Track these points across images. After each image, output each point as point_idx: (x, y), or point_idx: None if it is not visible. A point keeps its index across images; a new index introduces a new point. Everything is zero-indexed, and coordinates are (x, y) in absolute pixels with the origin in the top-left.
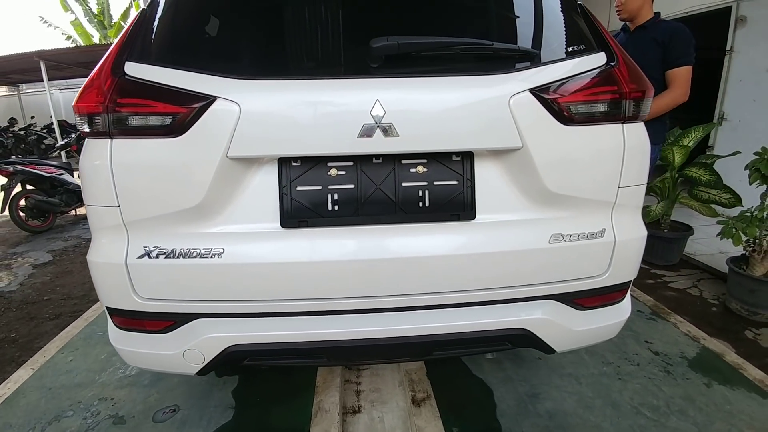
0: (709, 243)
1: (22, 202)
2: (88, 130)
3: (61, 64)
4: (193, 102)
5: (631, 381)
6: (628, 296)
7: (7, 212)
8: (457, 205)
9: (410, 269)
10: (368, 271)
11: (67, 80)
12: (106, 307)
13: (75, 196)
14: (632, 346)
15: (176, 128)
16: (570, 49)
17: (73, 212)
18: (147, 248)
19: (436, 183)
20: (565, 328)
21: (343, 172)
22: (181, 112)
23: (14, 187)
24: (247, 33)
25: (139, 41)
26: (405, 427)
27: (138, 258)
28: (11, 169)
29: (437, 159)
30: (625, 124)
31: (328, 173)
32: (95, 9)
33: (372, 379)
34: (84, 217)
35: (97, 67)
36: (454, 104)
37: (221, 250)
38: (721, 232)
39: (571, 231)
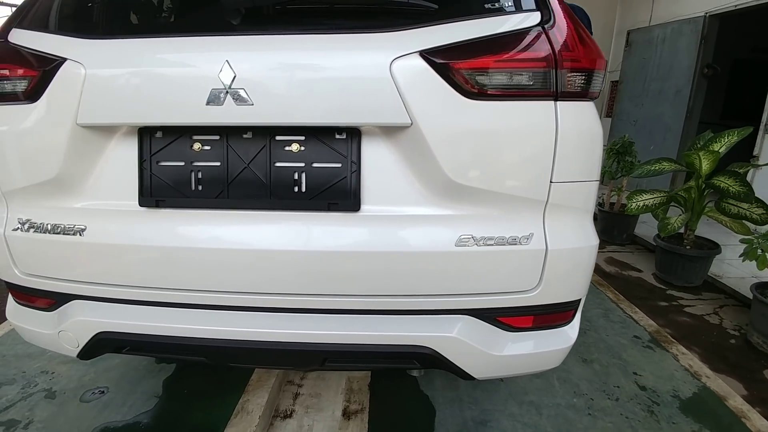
0: (740, 265)
1: None
2: None
3: None
4: (45, 64)
5: (603, 419)
6: (576, 320)
7: None
8: (338, 193)
9: (283, 265)
10: (234, 263)
11: None
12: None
13: None
14: (616, 377)
15: (31, 93)
16: (490, 6)
17: None
18: (21, 220)
19: (315, 165)
20: (483, 352)
21: (208, 147)
22: (33, 76)
23: None
24: None
25: (29, 6)
26: None
27: (13, 230)
28: None
29: (317, 136)
30: (558, 102)
31: (192, 147)
32: None
33: (316, 383)
34: None
35: None
36: (323, 69)
37: (83, 227)
38: (744, 252)
39: (485, 233)
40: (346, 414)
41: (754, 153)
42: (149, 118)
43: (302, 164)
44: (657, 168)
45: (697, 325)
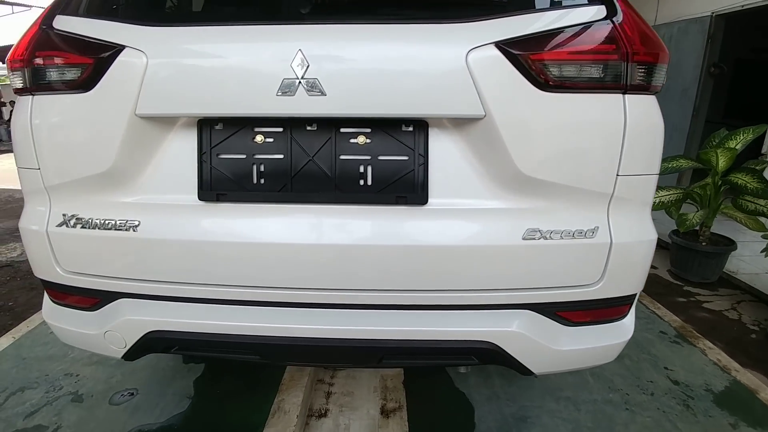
0: (754, 261)
1: None
2: (18, 86)
3: None
4: (101, 52)
5: (641, 413)
6: (631, 314)
7: None
8: (406, 186)
9: (347, 260)
10: (297, 258)
11: None
12: (40, 279)
13: None
14: (648, 372)
15: (86, 81)
16: None
17: None
18: (66, 216)
19: (381, 158)
20: (544, 347)
21: (271, 140)
22: (88, 63)
23: None
24: None
25: None
26: None
27: (57, 226)
28: None
29: (383, 129)
30: (627, 95)
31: (254, 140)
32: None
33: (346, 381)
34: None
35: (33, 21)
36: (398, 59)
37: (137, 223)
38: (765, 248)
39: (552, 227)
40: (384, 412)
41: (762, 151)
42: (215, 108)
43: (368, 157)
44: (675, 165)
45: (716, 320)
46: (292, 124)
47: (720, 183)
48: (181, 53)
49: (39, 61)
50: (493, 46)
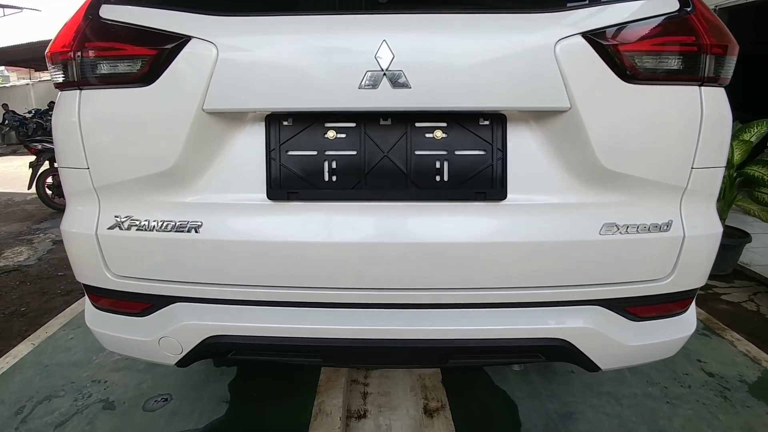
0: (765, 252)
1: (49, 180)
2: (60, 80)
3: None
4: (164, 43)
5: (682, 406)
6: (692, 308)
7: (34, 189)
8: (484, 181)
9: (422, 258)
10: (370, 258)
11: None
12: (82, 284)
13: None
14: (682, 364)
15: (146, 75)
16: None
17: None
18: (119, 218)
19: (457, 152)
20: (614, 342)
21: (343, 135)
22: (150, 55)
23: (42, 165)
24: None
25: None
26: None
27: (109, 229)
28: (39, 146)
29: (460, 122)
30: (703, 87)
31: (325, 135)
32: None
33: (381, 381)
34: None
35: (74, 12)
36: (483, 50)
37: (199, 223)
38: None
39: (628, 221)
40: (428, 411)
41: None
42: (289, 103)
43: (445, 152)
44: None
45: (737, 312)
46: (365, 119)
47: (735, 175)
48: (255, 45)
49: (90, 53)
50: (580, 37)
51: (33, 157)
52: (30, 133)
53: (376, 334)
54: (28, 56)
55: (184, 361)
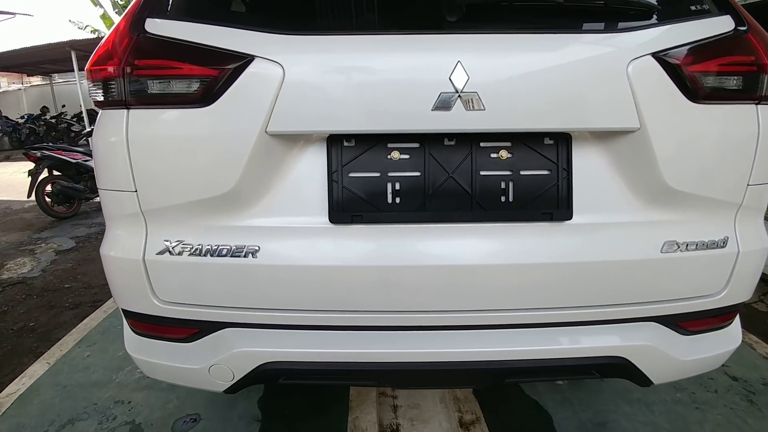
0: None
1: (49, 188)
2: (101, 99)
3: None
4: (226, 62)
5: (711, 411)
6: (737, 320)
7: (33, 197)
8: (550, 202)
9: (487, 280)
10: (437, 280)
11: None
12: (122, 310)
13: None
14: None
15: (205, 95)
16: (690, 8)
17: (98, 199)
18: (169, 243)
19: (523, 173)
20: (669, 357)
21: (406, 156)
22: (211, 76)
23: (41, 173)
24: None
25: None
26: None
27: (158, 254)
28: (38, 154)
29: (525, 142)
30: (760, 105)
31: (389, 156)
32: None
33: (409, 393)
34: None
35: (115, 26)
36: (556, 70)
37: (256, 248)
38: None
39: (688, 238)
40: (463, 425)
41: None
42: (357, 125)
43: (510, 172)
44: None
45: (749, 313)
46: (429, 140)
47: None
48: (323, 65)
49: (140, 71)
50: (651, 57)
51: (30, 164)
52: (23, 138)
53: (436, 357)
54: (20, 61)
55: (235, 388)
